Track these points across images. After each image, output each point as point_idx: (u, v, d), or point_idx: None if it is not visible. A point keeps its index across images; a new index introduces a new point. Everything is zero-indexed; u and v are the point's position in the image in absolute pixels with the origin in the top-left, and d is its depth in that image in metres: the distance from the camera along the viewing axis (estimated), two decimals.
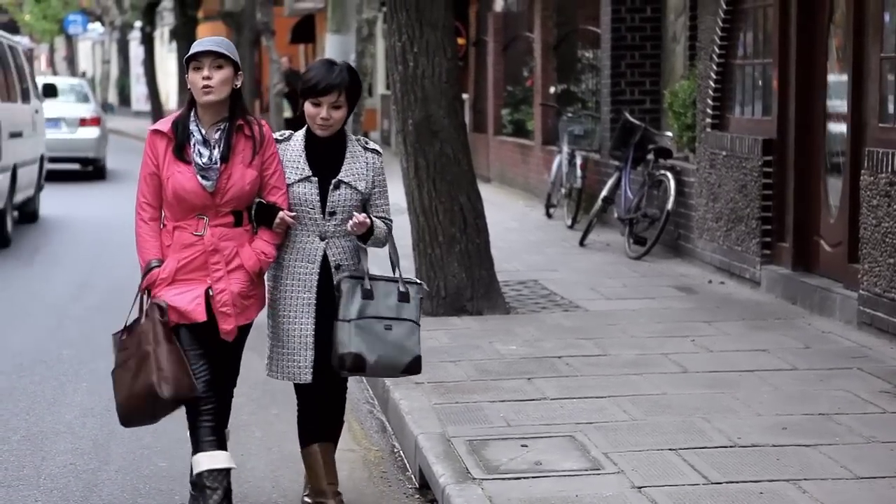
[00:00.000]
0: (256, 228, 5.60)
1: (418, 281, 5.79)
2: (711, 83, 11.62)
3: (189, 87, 5.51)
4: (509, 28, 20.53)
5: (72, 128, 24.37)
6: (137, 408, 5.49)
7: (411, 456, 6.56)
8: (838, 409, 6.81)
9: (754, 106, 11.14)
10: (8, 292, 11.84)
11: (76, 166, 25.13)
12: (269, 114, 28.92)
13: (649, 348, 8.37)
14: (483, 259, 9.74)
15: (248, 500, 6.10)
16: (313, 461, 5.75)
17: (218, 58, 5.45)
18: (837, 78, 9.73)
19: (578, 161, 14.98)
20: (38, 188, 17.90)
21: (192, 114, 5.53)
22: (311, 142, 5.62)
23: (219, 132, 5.51)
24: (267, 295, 5.72)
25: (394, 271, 5.64)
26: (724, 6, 11.33)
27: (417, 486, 6.32)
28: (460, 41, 20.49)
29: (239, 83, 5.54)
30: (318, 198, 5.57)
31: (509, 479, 5.74)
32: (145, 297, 5.51)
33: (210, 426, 5.49)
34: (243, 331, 5.63)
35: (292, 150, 5.64)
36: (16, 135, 15.63)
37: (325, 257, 5.59)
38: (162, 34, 50.46)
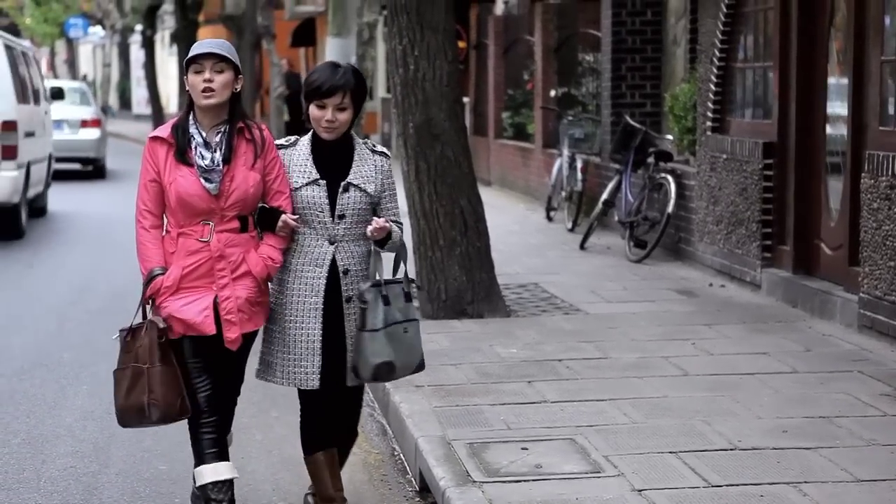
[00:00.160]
0: (261, 233, 5.53)
1: (410, 277, 5.72)
2: (712, 86, 11.62)
3: (188, 89, 5.44)
4: (510, 31, 20.54)
5: (73, 129, 25.24)
6: (132, 417, 5.48)
7: (412, 459, 6.56)
8: (839, 412, 6.80)
9: (755, 109, 11.14)
10: (9, 294, 11.84)
11: (77, 166, 25.98)
12: (268, 117, 28.92)
13: (650, 351, 8.37)
14: (483, 262, 9.74)
15: (249, 503, 6.09)
16: (318, 469, 5.67)
17: (219, 61, 5.38)
18: (838, 81, 9.73)
19: (579, 164, 14.97)
20: (47, 185, 18.68)
21: (191, 117, 5.46)
22: (318, 145, 5.53)
23: (219, 135, 5.44)
24: (270, 299, 5.63)
25: (395, 272, 5.57)
26: (725, 9, 11.33)
27: (418, 489, 6.31)
28: (461, 44, 20.46)
29: (239, 87, 5.47)
30: (326, 201, 5.48)
31: (510, 482, 5.73)
32: (149, 307, 5.44)
33: (211, 438, 5.45)
34: (248, 338, 5.54)
35: (299, 153, 5.55)
36: (30, 134, 16.47)
37: (332, 261, 5.52)
38: (163, 38, 50.49)
